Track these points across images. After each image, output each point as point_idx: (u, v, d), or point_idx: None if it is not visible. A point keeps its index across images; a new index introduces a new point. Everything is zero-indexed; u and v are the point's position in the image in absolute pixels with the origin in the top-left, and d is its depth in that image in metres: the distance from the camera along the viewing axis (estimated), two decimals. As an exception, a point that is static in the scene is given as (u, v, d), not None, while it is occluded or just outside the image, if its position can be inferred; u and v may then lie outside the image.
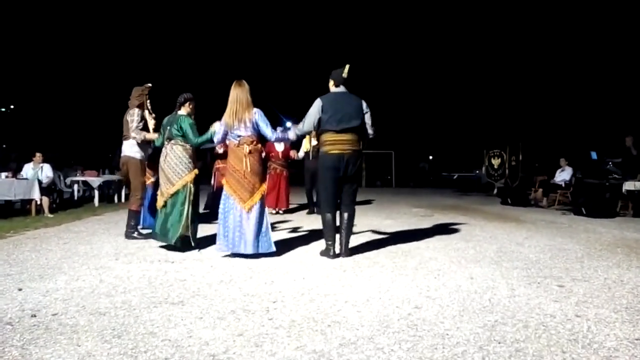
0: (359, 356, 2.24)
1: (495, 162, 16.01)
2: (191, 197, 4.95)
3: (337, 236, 4.67)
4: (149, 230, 5.80)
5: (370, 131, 4.68)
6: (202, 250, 4.95)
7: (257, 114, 4.62)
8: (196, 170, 5.07)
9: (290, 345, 2.38)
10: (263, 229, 4.57)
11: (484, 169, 16.99)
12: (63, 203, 10.08)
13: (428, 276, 3.90)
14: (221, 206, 4.62)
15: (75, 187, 11.20)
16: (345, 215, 4.63)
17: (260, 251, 4.51)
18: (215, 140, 4.90)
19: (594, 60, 18.32)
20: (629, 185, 8.97)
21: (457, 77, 23.38)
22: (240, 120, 4.57)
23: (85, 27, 22.16)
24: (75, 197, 11.03)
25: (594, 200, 9.00)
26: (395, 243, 5.40)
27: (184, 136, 5.03)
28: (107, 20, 22.76)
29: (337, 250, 4.62)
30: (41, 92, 21.78)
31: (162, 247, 5.10)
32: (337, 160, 4.47)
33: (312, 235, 5.99)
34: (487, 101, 23.34)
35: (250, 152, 4.55)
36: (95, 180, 10.67)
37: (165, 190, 4.98)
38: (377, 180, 24.52)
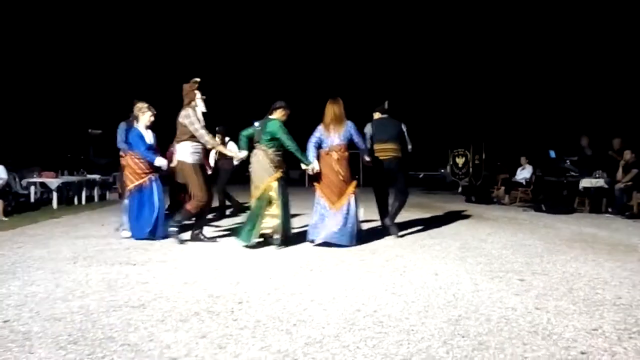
0: (324, 355, 2.23)
1: (460, 161, 16.33)
2: (274, 198, 5.02)
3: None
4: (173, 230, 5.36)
5: (409, 146, 6.06)
6: (167, 252, 4.83)
7: (351, 127, 5.32)
8: (277, 174, 5.08)
9: (255, 345, 2.34)
10: (349, 225, 5.12)
11: (448, 168, 17.29)
12: (19, 206, 9.61)
13: (394, 273, 3.93)
14: (315, 204, 5.33)
15: (32, 189, 10.67)
16: (396, 203, 5.92)
17: (342, 243, 5.08)
18: (309, 144, 5.35)
19: (552, 63, 19.02)
20: (585, 183, 9.34)
21: (422, 79, 23.80)
22: (332, 133, 5.27)
23: (38, 24, 21.17)
24: (32, 200, 10.54)
25: (552, 197, 9.32)
26: (362, 241, 5.40)
27: (270, 140, 5.10)
28: (66, 18, 21.86)
29: (388, 223, 5.82)
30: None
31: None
32: (382, 162, 5.84)
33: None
34: (452, 102, 23.82)
35: (337, 159, 5.21)
36: (53, 182, 10.21)
37: (253, 193, 5.14)
38: None
